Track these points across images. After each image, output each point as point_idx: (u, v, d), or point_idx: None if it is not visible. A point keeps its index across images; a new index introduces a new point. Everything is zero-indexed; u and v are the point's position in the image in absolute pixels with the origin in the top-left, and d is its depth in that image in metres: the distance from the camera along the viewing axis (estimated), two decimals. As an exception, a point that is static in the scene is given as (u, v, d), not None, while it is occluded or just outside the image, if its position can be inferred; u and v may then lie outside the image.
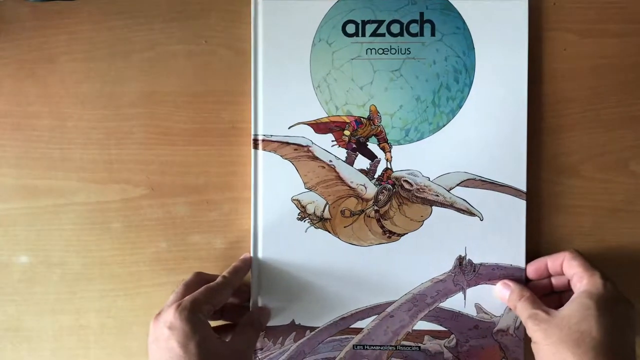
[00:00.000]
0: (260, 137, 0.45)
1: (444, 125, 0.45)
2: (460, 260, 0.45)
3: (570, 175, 0.46)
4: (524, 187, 0.44)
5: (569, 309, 0.38)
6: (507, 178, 0.44)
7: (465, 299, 0.45)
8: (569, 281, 0.42)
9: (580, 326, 0.36)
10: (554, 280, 0.44)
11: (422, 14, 0.44)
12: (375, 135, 0.45)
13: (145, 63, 0.47)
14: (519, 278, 0.44)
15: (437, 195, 0.45)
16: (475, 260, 0.45)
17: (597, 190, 0.46)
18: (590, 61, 0.45)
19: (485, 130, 0.44)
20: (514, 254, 0.44)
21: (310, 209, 0.46)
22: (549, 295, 0.44)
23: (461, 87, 0.44)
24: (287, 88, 0.45)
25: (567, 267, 0.41)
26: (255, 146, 0.45)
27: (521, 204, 0.44)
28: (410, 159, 0.45)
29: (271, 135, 0.45)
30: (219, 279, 0.42)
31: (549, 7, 0.45)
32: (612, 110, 0.45)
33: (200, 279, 0.43)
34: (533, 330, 0.39)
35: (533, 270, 0.44)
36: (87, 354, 0.49)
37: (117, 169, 0.48)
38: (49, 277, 0.48)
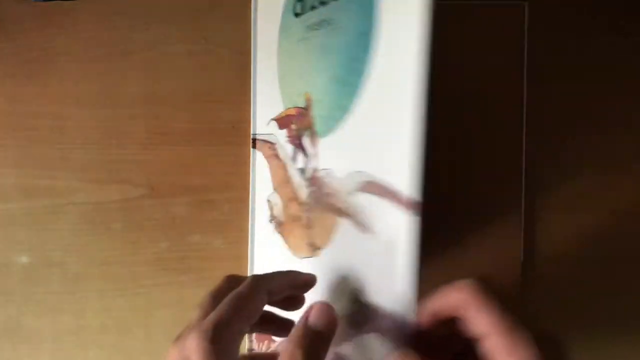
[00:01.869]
0: (258, 137, 0.45)
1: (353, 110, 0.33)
2: (353, 297, 0.32)
3: (570, 175, 0.46)
4: (415, 196, 0.27)
5: None
6: (396, 181, 0.29)
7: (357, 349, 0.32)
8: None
9: None
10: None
11: None
12: (310, 127, 0.37)
13: (145, 63, 0.47)
14: (409, 332, 0.28)
15: (343, 203, 0.33)
16: (369, 298, 0.31)
17: (597, 191, 0.46)
18: (590, 61, 0.45)
19: (374, 128, 0.31)
20: (401, 292, 0.28)
21: (275, 212, 0.42)
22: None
23: (362, 68, 0.32)
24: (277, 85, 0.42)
25: (473, 320, 0.26)
26: (254, 146, 0.45)
27: (409, 221, 0.27)
28: (331, 155, 0.35)
29: (261, 134, 0.44)
30: (248, 280, 0.30)
31: (548, 7, 0.45)
32: (613, 110, 0.45)
33: (234, 284, 0.30)
34: None
35: (427, 319, 0.28)
36: (87, 354, 0.49)
37: (117, 169, 0.48)
38: (49, 277, 0.48)
